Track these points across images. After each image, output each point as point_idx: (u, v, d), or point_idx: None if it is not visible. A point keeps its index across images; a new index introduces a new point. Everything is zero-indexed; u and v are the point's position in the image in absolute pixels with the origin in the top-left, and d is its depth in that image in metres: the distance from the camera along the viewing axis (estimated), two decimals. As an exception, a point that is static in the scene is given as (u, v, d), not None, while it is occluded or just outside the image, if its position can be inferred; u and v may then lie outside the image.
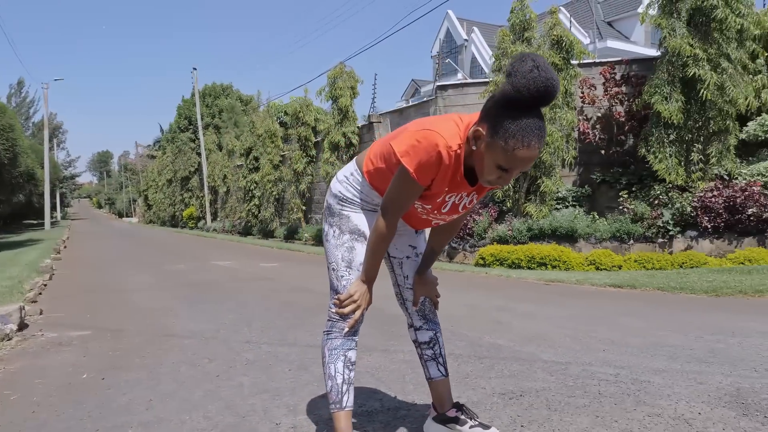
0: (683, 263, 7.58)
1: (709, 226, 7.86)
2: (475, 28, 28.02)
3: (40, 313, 5.44)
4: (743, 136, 8.27)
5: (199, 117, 29.26)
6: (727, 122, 8.06)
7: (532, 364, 2.95)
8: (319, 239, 16.03)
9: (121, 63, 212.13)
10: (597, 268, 8.12)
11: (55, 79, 33.56)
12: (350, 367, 1.86)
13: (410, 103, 29.74)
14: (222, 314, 5.07)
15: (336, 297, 1.87)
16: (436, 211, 1.81)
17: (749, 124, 8.26)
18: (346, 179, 1.94)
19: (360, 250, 1.88)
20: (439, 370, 2.04)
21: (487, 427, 1.99)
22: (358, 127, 14.79)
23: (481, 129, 1.55)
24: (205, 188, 28.15)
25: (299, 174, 17.52)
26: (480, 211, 10.51)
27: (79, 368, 3.33)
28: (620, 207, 8.93)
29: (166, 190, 36.65)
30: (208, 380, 3.00)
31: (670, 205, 8.31)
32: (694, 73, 7.96)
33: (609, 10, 26.29)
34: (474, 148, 1.57)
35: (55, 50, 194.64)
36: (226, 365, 3.30)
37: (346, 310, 1.84)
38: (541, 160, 9.56)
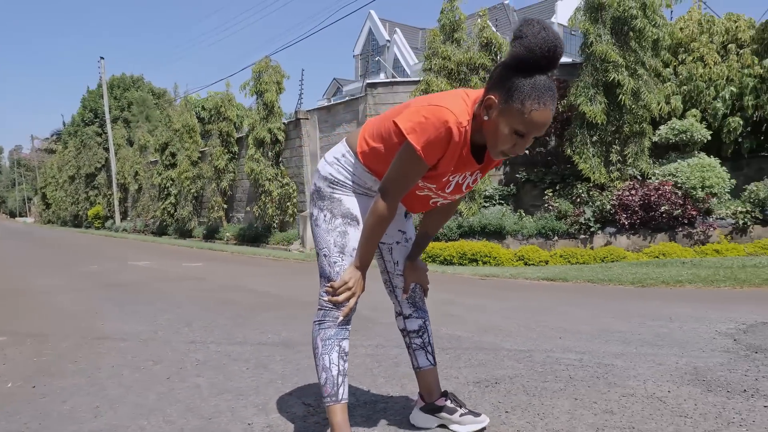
0: (605, 257, 8.03)
1: (626, 222, 8.39)
2: (398, 29, 28.35)
3: (-61, 320, 4.86)
4: (656, 138, 8.90)
5: (107, 109, 27.50)
6: (643, 125, 8.65)
7: (497, 353, 2.99)
8: (242, 238, 15.55)
9: (11, 48, 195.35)
10: (525, 264, 8.42)
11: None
12: (344, 357, 1.77)
13: (332, 101, 29.67)
14: (155, 315, 4.76)
15: (328, 284, 1.77)
16: (440, 191, 1.75)
17: (661, 127, 8.91)
18: (336, 161, 1.84)
19: (353, 235, 1.79)
20: (427, 359, 2.00)
21: (477, 414, 1.98)
22: (284, 123, 14.50)
23: (493, 97, 1.51)
24: (114, 186, 26.52)
25: (220, 171, 16.92)
26: (411, 208, 10.62)
27: None
28: (545, 205, 9.33)
29: (68, 187, 34.12)
30: (159, 383, 2.78)
31: (591, 203, 8.79)
32: (614, 78, 8.47)
33: (525, 16, 27.49)
34: (486, 117, 1.52)
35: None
36: (175, 367, 3.08)
37: (341, 297, 1.75)
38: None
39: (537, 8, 27.46)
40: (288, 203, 14.27)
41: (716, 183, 8.15)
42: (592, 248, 8.61)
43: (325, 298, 1.78)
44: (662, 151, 9.11)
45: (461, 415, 1.97)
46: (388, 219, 1.68)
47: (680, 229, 8.24)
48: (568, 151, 9.01)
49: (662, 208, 8.14)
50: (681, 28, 9.44)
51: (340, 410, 1.75)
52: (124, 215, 26.95)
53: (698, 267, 6.52)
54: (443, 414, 1.98)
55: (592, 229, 8.71)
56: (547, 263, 8.37)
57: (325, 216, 1.82)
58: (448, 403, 1.99)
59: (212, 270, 8.74)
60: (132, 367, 3.11)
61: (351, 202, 1.82)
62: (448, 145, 1.55)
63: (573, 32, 28.23)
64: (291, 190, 14.25)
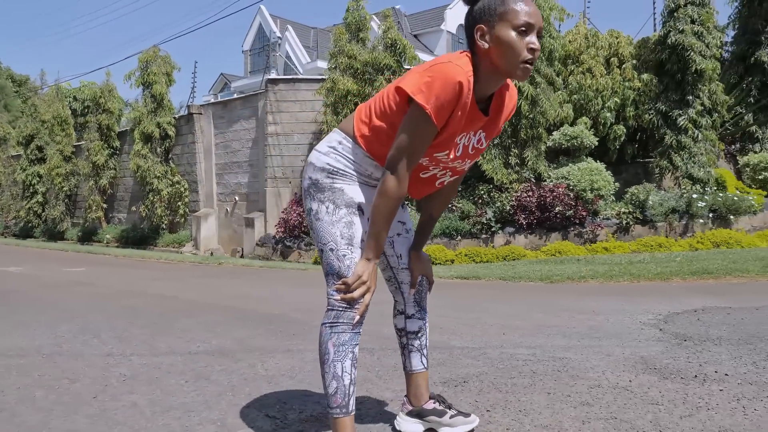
0: (506, 256, 8.44)
1: (524, 222, 8.87)
2: (290, 27, 27.86)
3: None
4: (549, 143, 9.52)
5: (-44, 96, 24.22)
6: (539, 130, 9.21)
7: (451, 351, 2.98)
8: (125, 240, 14.40)
9: None
10: (432, 263, 8.60)
11: None
12: (356, 365, 1.65)
13: (219, 97, 28.49)
14: (51, 326, 4.21)
15: (341, 281, 1.64)
16: (448, 159, 1.66)
17: (554, 133, 9.54)
18: (333, 150, 1.71)
19: (360, 225, 1.67)
20: (422, 361, 1.92)
21: (467, 414, 1.94)
22: (174, 117, 13.64)
23: (481, 26, 1.52)
24: (-34, 182, 23.37)
25: (99, 167, 15.53)
26: (316, 208, 10.44)
27: None
28: (449, 205, 9.60)
29: None
30: (86, 403, 2.44)
31: (492, 204, 9.19)
32: (515, 84, 8.92)
33: (415, 24, 28.27)
34: (486, 45, 1.50)
35: None
36: (99, 384, 2.72)
37: (356, 293, 1.62)
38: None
39: (427, 15, 28.36)
40: (179, 203, 13.45)
41: (603, 186, 8.89)
42: (493, 247, 9.00)
43: (337, 297, 1.64)
44: (554, 155, 9.77)
45: (451, 416, 1.91)
46: (400, 197, 1.59)
47: (572, 228, 8.88)
48: (472, 152, 9.35)
49: (556, 208, 8.71)
50: (570, 41, 10.19)
51: (350, 423, 1.62)
52: (-23, 215, 23.86)
53: (594, 264, 7.05)
54: (432, 417, 1.92)
55: (493, 229, 9.11)
56: (453, 262, 8.62)
57: (327, 208, 1.68)
58: (437, 405, 1.92)
59: (100, 275, 7.97)
60: (45, 388, 2.70)
61: (354, 191, 1.70)
62: (458, 101, 1.50)
63: (461, 41, 29.59)
64: (182, 189, 13.45)
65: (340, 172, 1.69)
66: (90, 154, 15.66)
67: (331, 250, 1.65)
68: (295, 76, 13.28)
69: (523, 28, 1.48)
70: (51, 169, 17.13)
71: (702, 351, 2.76)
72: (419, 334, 1.92)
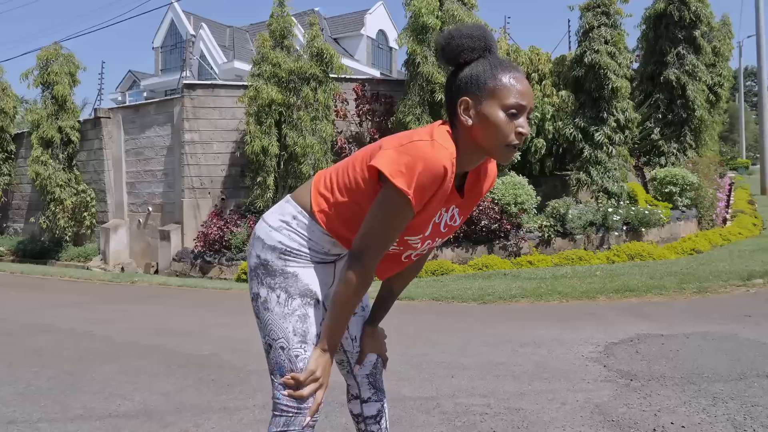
0: (435, 270, 8.44)
1: (451, 236, 8.93)
2: (204, 25, 26.72)
3: None
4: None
5: None
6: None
7: (404, 404, 2.83)
8: (22, 253, 13.14)
9: None
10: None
11: None
12: None
13: (129, 98, 26.83)
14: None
15: (290, 375, 1.44)
16: (417, 239, 1.49)
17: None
18: (286, 225, 1.50)
19: (315, 318, 1.49)
20: (385, 447, 1.76)
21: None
22: (79, 122, 12.61)
23: (466, 98, 1.36)
24: None
25: (-8, 173, 14.09)
26: (239, 222, 10.00)
27: None
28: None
29: None
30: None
31: (420, 217, 9.18)
32: (441, 98, 8.97)
33: (335, 27, 28.01)
34: (470, 121, 1.35)
35: None
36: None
37: (306, 391, 1.43)
38: (300, 171, 9.54)
39: (347, 19, 28.18)
40: (85, 213, 12.44)
41: (526, 199, 9.12)
42: (422, 261, 8.99)
43: (284, 398, 1.44)
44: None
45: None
46: (366, 287, 1.42)
47: (497, 241, 9.04)
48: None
49: (482, 222, 8.84)
50: (494, 57, 10.38)
51: None
52: None
53: (521, 279, 7.18)
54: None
55: (421, 242, 9.10)
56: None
57: (278, 297, 1.47)
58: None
59: (-4, 301, 7.14)
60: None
61: (309, 276, 1.50)
62: (440, 185, 1.33)
63: (380, 46, 29.69)
64: (89, 198, 12.46)
65: (294, 252, 1.49)
66: (-21, 158, 14.17)
67: (282, 348, 1.45)
68: (214, 82, 12.65)
69: (514, 110, 1.34)
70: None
71: (651, 395, 2.79)
72: (378, 418, 1.73)
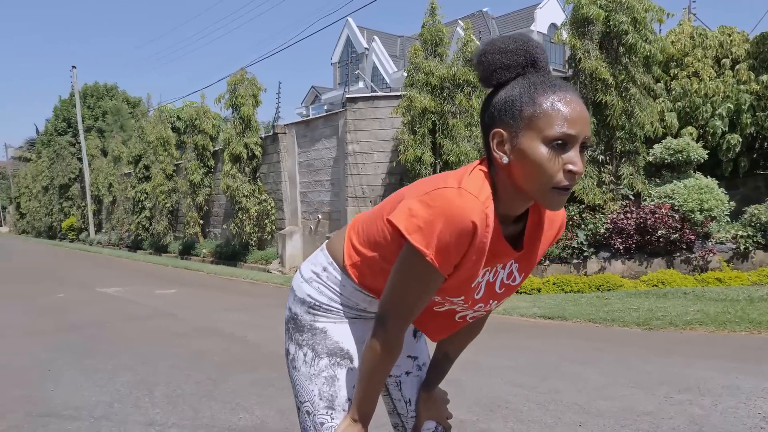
0: (600, 286, 7.66)
1: (621, 247, 8.03)
2: (376, 38, 27.97)
3: None
4: (650, 158, 8.57)
5: (79, 119, 26.60)
6: (636, 144, 8.32)
7: (511, 453, 2.53)
8: (219, 255, 14.93)
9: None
10: (517, 292, 8.01)
11: None
12: None
13: (311, 112, 29.12)
14: (115, 375, 4.21)
15: None
16: (467, 303, 1.25)
17: (655, 146, 8.58)
18: (316, 277, 1.35)
19: (345, 380, 1.31)
20: None
21: None
22: (261, 138, 13.96)
23: (499, 130, 1.08)
24: (88, 197, 25.62)
25: (196, 185, 16.30)
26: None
27: None
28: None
29: (42, 198, 33.06)
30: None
31: (584, 226, 8.42)
32: (602, 99, 8.15)
33: (504, 26, 27.30)
34: (506, 159, 1.07)
35: None
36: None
37: None
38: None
39: (516, 16, 27.30)
40: (266, 220, 13.73)
41: (715, 206, 7.83)
42: (585, 274, 8.23)
43: None
44: (655, 171, 8.79)
45: None
46: (392, 357, 1.21)
47: (678, 254, 7.91)
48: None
49: (659, 232, 7.80)
50: (672, 42, 9.14)
51: None
52: (98, 228, 26.05)
53: (703, 300, 6.15)
54: None
55: (585, 254, 8.34)
56: (539, 291, 7.97)
57: (305, 355, 1.33)
58: None
59: (186, 301, 8.16)
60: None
61: (340, 333, 1.33)
62: (471, 244, 1.07)
63: (552, 41, 28.23)
64: (269, 207, 13.72)
65: (324, 307, 1.33)
66: (188, 172, 16.49)
67: (308, 413, 1.31)
68: (374, 94, 13.09)
69: (560, 142, 1.03)
70: (155, 186, 18.25)
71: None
72: None
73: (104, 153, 26.48)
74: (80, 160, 27.18)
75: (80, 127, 26.51)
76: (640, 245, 8.04)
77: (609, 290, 7.52)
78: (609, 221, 8.16)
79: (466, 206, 1.04)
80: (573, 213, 8.54)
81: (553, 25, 26.71)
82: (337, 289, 1.32)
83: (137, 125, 21.57)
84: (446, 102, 9.36)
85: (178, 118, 22.45)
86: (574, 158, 1.03)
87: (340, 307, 1.33)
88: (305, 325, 1.34)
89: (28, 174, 36.99)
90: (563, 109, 1.03)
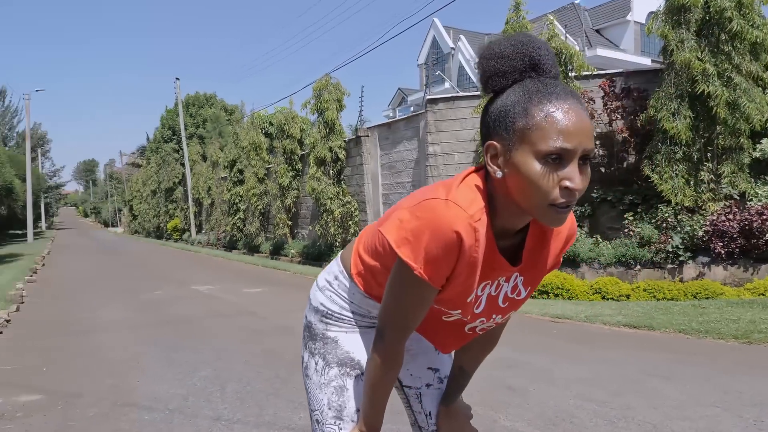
0: (697, 293, 7.08)
1: (722, 251, 7.37)
2: (462, 37, 27.63)
3: (-9, 365, 4.81)
4: (756, 154, 7.81)
5: (182, 127, 28.56)
6: (741, 139, 7.61)
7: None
8: (306, 256, 15.40)
9: (103, 73, 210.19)
10: (603, 298, 7.59)
11: (37, 90, 32.92)
12: None
13: (398, 114, 29.32)
14: (195, 369, 4.46)
15: None
16: (468, 316, 1.21)
17: (763, 141, 7.80)
18: (329, 286, 1.36)
19: (354, 391, 1.31)
20: None
21: None
22: (344, 141, 14.23)
23: (493, 142, 1.01)
24: (189, 200, 27.42)
25: (285, 188, 16.92)
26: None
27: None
28: (625, 229, 8.42)
29: (150, 200, 35.86)
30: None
31: (679, 229, 7.82)
32: (703, 90, 7.50)
33: (597, 18, 26.02)
34: (500, 173, 1.01)
35: (37, 60, 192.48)
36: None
37: None
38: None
39: (611, 6, 25.89)
40: (350, 222, 13.98)
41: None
42: (681, 280, 7.64)
43: None
44: (763, 168, 7.98)
45: None
46: (393, 369, 1.19)
47: (789, 259, 7.14)
48: (647, 170, 8.08)
49: (767, 235, 7.07)
50: (785, 25, 8.26)
51: None
52: (199, 228, 27.79)
53: (816, 312, 5.51)
54: None
55: (681, 259, 7.74)
56: (628, 298, 7.50)
57: (317, 364, 1.34)
58: None
59: (270, 300, 8.49)
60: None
61: (351, 342, 1.33)
62: (458, 254, 1.03)
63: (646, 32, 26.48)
64: (352, 209, 13.96)
65: (335, 315, 1.33)
66: (277, 176, 17.17)
67: (317, 421, 1.31)
68: (454, 94, 12.93)
69: (555, 156, 0.95)
70: (248, 189, 19.17)
71: None
72: None
73: (204, 158, 28.24)
74: (183, 165, 29.13)
75: (183, 134, 28.44)
76: (744, 250, 7.34)
77: (707, 298, 6.93)
78: (708, 223, 7.52)
79: (451, 218, 1.00)
80: (666, 214, 7.96)
81: (651, 15, 25.12)
82: (347, 297, 1.33)
83: (232, 131, 22.78)
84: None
85: (270, 123, 23.45)
86: (571, 174, 0.95)
87: (351, 315, 1.33)
88: (318, 333, 1.35)
89: (139, 179, 40.26)
90: (559, 120, 0.95)
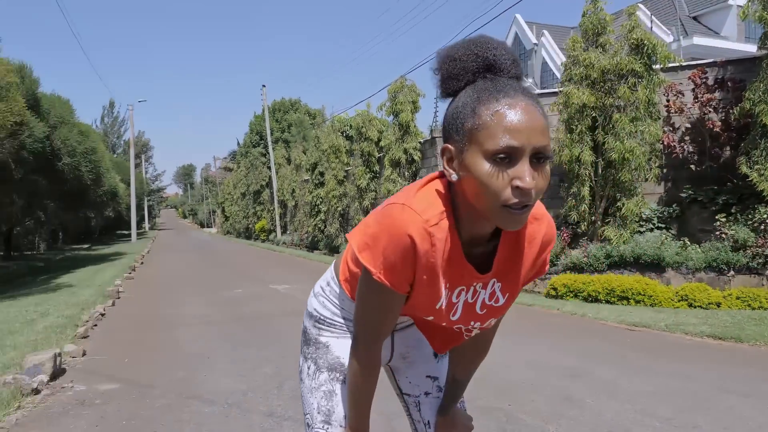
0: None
1: None
2: (545, 32, 26.78)
3: (83, 355, 5.25)
4: None
5: (268, 132, 29.77)
6: None
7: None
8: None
9: (197, 83, 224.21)
10: (690, 305, 7.05)
11: (139, 101, 35.74)
12: None
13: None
14: (258, 366, 4.63)
15: None
16: (444, 323, 1.18)
17: None
18: (322, 291, 1.38)
19: (343, 395, 1.32)
20: None
21: None
22: (420, 142, 14.22)
23: (448, 145, 1.01)
24: (275, 202, 28.52)
25: (362, 190, 17.16)
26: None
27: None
28: (717, 232, 7.79)
29: (240, 202, 37.70)
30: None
31: (779, 231, 7.12)
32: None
33: (695, 4, 24.29)
34: (455, 176, 0.98)
35: (139, 73, 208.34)
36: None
37: None
38: (620, 179, 8.57)
39: (711, -9, 24.04)
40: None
41: None
42: (781, 288, 6.95)
43: None
44: None
45: None
46: (369, 373, 1.20)
47: None
48: (744, 167, 7.42)
49: None
50: None
51: None
52: (284, 229, 28.84)
53: None
54: None
55: (781, 264, 7.04)
56: (719, 306, 6.92)
57: (308, 368, 1.36)
58: None
59: (340, 300, 8.64)
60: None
61: (342, 348, 1.34)
62: (415, 259, 1.02)
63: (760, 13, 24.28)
64: (428, 210, 13.92)
65: (327, 321, 1.34)
66: (355, 178, 17.46)
67: (308, 425, 1.33)
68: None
69: (503, 155, 0.91)
70: (328, 191, 19.64)
71: None
72: None
73: (289, 161, 29.29)
74: (269, 168, 30.37)
75: (269, 139, 29.66)
76: None
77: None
78: (813, 226, 6.80)
79: (405, 222, 1.00)
80: (766, 215, 7.28)
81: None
82: (338, 303, 1.35)
83: (314, 135, 23.44)
84: (608, 96, 8.61)
85: (350, 126, 23.91)
86: (521, 172, 0.91)
87: (342, 321, 1.34)
88: (311, 338, 1.37)
89: (230, 182, 42.46)
90: (506, 118, 0.91)
